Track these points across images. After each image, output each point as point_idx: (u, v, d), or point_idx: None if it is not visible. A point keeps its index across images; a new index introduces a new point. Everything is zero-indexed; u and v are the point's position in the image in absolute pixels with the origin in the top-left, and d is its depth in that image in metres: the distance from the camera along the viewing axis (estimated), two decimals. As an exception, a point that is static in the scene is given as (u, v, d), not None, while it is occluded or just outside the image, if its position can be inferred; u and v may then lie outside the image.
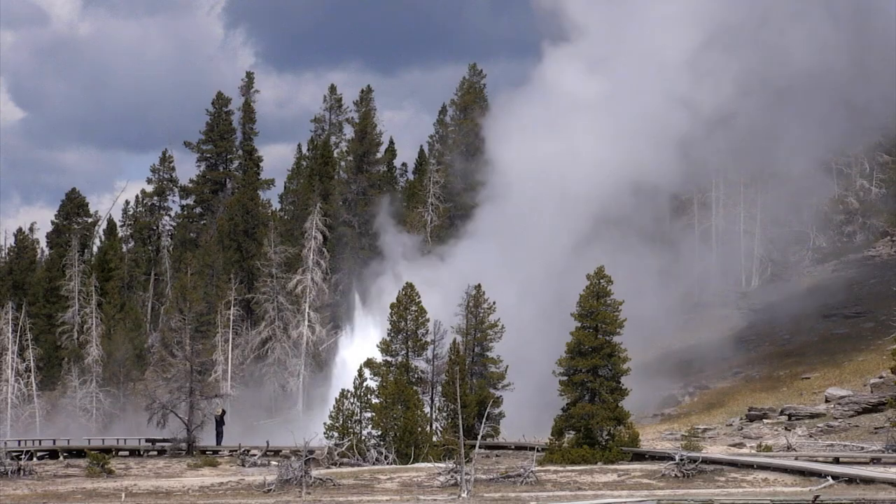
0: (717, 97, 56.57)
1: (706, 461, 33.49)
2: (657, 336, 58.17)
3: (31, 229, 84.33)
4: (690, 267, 64.74)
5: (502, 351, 43.29)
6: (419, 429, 39.94)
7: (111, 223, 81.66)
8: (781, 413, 44.39)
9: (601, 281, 37.81)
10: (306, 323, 65.88)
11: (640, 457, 36.47)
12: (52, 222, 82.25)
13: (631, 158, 55.53)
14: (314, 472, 33.37)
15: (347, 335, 59.10)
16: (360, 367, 40.75)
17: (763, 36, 58.96)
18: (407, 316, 43.04)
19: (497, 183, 58.36)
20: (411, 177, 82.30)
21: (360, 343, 53.96)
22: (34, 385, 65.68)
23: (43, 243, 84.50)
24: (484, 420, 39.66)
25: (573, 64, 59.04)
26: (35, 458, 39.65)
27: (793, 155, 60.09)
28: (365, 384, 40.15)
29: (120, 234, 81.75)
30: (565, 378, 37.66)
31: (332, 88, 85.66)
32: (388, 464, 38.38)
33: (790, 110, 58.44)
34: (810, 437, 40.68)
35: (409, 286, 43.67)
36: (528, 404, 44.07)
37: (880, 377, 44.19)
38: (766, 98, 58.57)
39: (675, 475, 32.35)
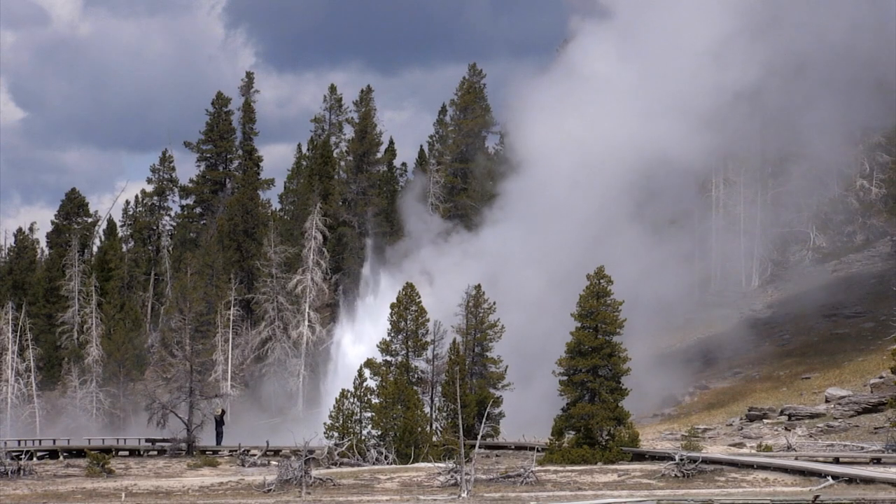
0: (744, 77, 55.93)
1: (706, 461, 33.48)
2: (667, 326, 58.26)
3: (31, 229, 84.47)
4: (699, 258, 64.65)
5: (531, 337, 42.97)
6: (419, 429, 39.95)
7: (111, 223, 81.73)
8: (781, 413, 44.38)
9: (601, 281, 37.80)
10: (306, 323, 65.91)
11: (640, 457, 36.46)
12: (52, 222, 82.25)
13: (654, 140, 55.22)
14: (314, 472, 33.37)
15: (349, 314, 59.20)
16: (361, 367, 40.77)
17: (792, 17, 58.34)
18: (407, 316, 43.07)
19: (521, 167, 58.14)
20: (411, 177, 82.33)
21: (363, 327, 54.26)
22: (34, 385, 65.68)
23: (43, 243, 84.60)
24: (484, 420, 39.68)
25: (601, 43, 58.77)
26: (35, 458, 39.64)
27: (818, 133, 59.00)
28: (365, 384, 40.16)
29: (120, 234, 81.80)
30: (565, 378, 37.66)
31: (332, 88, 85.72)
32: (388, 464, 38.38)
33: (816, 89, 57.61)
34: (810, 437, 40.67)
35: (409, 286, 43.68)
36: (549, 397, 43.72)
37: (880, 377, 44.17)
38: (793, 77, 57.80)
39: (675, 475, 32.34)
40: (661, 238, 57.18)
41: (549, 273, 51.43)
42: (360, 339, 55.18)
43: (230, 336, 66.67)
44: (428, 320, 43.10)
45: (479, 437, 38.18)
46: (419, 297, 43.34)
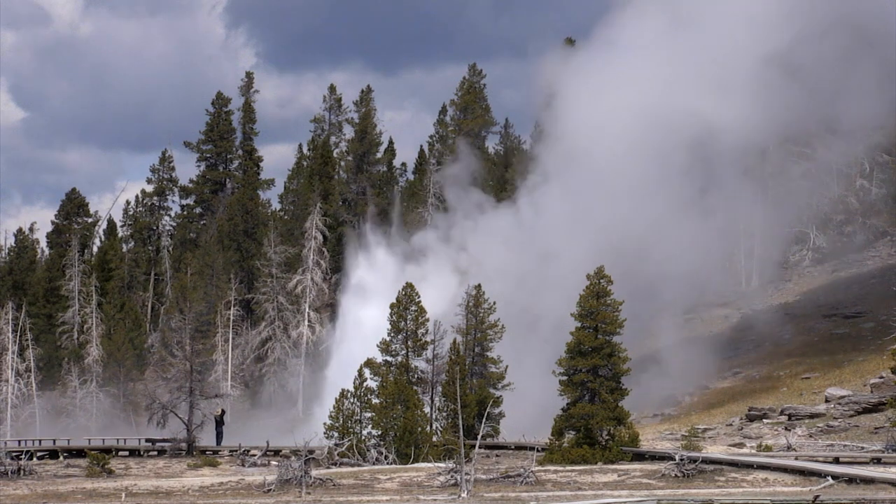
0: (786, 46, 55.19)
1: (706, 461, 33.47)
2: (698, 304, 58.52)
3: (32, 229, 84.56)
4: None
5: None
6: (419, 429, 39.95)
7: (111, 223, 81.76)
8: (781, 413, 44.38)
9: (601, 281, 37.80)
10: (306, 323, 65.90)
11: (640, 457, 36.46)
12: (53, 222, 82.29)
13: (696, 112, 54.74)
14: (314, 472, 33.37)
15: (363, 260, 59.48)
16: (361, 367, 40.77)
17: None
18: (407, 316, 43.07)
19: (562, 138, 57.82)
20: (411, 177, 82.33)
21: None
22: (34, 385, 65.67)
23: (43, 243, 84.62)
24: (484, 420, 39.68)
25: (643, 12, 58.34)
26: (35, 458, 39.65)
27: (858, 101, 57.96)
28: (365, 384, 40.17)
29: (120, 234, 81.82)
30: (565, 378, 37.65)
31: (332, 88, 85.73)
32: (388, 464, 38.39)
33: (858, 56, 56.74)
34: (810, 437, 40.67)
35: (409, 286, 43.68)
36: None
37: (880, 377, 44.17)
38: (836, 46, 56.98)
39: (675, 475, 32.34)
40: (701, 213, 56.52)
41: (593, 247, 51.20)
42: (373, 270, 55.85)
43: (230, 336, 66.69)
44: (428, 320, 43.14)
45: (479, 437, 38.18)
46: (419, 296, 43.35)
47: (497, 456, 39.59)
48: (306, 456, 33.51)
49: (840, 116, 60.55)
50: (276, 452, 40.33)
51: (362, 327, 52.99)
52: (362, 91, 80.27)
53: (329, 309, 67.11)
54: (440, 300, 45.26)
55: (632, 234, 48.94)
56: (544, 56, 66.70)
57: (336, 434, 39.60)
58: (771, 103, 56.09)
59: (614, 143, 55.36)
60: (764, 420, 44.14)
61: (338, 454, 38.82)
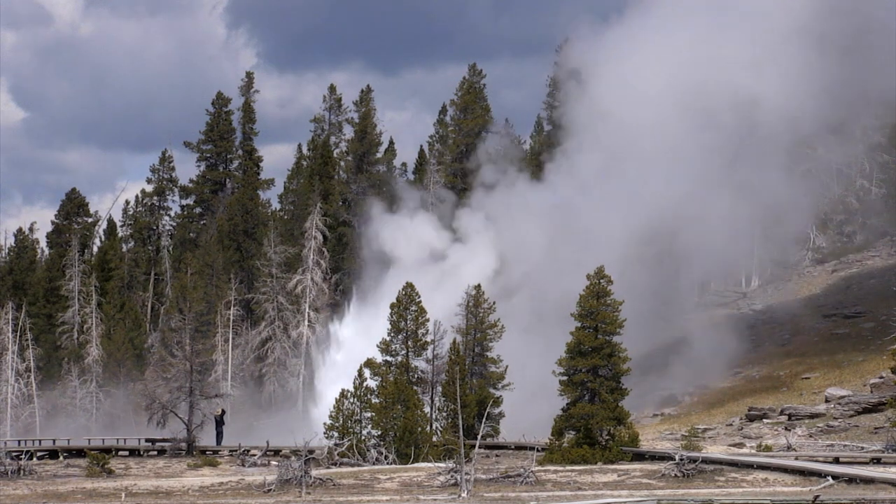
0: (822, 21, 55.16)
1: (706, 461, 33.48)
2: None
3: (32, 229, 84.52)
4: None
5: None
6: (419, 429, 39.96)
7: (111, 223, 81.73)
8: (781, 413, 44.40)
9: (601, 281, 37.79)
10: (306, 323, 65.87)
11: (640, 457, 36.47)
12: (53, 222, 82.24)
13: (740, 88, 54.60)
14: (314, 472, 33.36)
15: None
16: (361, 367, 40.78)
17: None
18: (407, 316, 43.08)
19: (594, 119, 57.76)
20: (411, 177, 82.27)
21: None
22: (34, 385, 65.69)
23: (43, 243, 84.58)
24: (484, 420, 39.69)
25: None
26: (35, 458, 39.64)
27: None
28: (365, 384, 40.17)
29: (120, 234, 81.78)
30: (565, 378, 37.66)
31: (332, 88, 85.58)
32: (388, 464, 38.39)
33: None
34: (810, 437, 40.69)
35: (409, 286, 43.68)
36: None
37: (880, 377, 44.20)
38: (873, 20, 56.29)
39: (675, 475, 32.34)
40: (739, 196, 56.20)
41: (628, 225, 51.01)
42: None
43: (230, 336, 66.68)
44: (428, 320, 43.16)
45: (479, 437, 38.19)
46: (419, 296, 43.35)
47: (497, 456, 39.60)
48: (306, 456, 33.50)
49: (873, 92, 59.86)
50: (276, 452, 40.33)
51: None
52: (362, 91, 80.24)
53: (329, 309, 67.12)
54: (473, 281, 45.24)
55: (663, 215, 48.88)
56: (574, 34, 66.52)
57: (336, 434, 39.60)
58: (808, 77, 55.55)
59: (646, 115, 55.21)
60: (764, 420, 44.16)
61: (338, 454, 38.83)
